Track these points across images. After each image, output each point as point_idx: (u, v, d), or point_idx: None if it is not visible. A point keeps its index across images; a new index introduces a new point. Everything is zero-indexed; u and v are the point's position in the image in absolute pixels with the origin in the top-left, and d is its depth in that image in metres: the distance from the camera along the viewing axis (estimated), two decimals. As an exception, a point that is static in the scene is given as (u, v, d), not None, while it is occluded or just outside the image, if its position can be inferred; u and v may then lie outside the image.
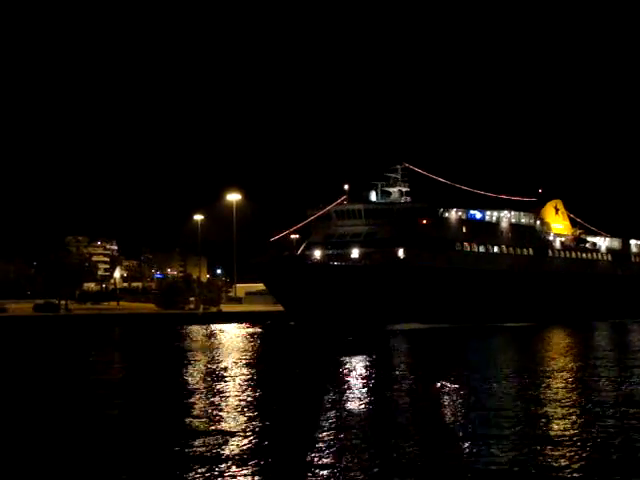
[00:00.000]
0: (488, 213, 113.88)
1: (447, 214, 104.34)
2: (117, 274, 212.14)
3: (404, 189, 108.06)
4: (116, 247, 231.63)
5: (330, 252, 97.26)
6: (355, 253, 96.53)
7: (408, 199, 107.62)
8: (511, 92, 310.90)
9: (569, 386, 38.30)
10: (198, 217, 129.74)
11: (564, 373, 44.08)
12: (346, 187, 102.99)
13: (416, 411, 31.73)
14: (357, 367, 50.02)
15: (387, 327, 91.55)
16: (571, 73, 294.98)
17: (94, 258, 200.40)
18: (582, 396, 34.71)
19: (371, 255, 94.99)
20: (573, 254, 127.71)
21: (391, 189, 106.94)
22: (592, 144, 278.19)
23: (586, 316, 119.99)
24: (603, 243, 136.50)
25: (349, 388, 38.10)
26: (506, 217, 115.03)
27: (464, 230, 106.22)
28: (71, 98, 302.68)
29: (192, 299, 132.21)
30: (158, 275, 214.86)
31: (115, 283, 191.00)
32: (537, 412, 30.02)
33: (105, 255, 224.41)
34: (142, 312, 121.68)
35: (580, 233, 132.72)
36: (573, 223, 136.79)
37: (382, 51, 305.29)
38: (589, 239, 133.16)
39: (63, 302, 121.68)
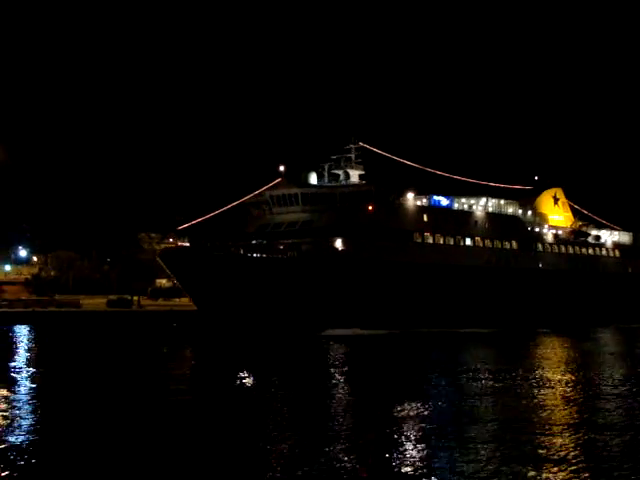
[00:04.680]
0: (463, 200, 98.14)
1: (402, 200, 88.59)
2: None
3: (357, 172, 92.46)
4: (188, 244, 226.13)
5: (256, 243, 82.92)
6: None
7: (363, 184, 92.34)
8: (505, 72, 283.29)
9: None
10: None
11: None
12: (282, 169, 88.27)
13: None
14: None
15: (319, 332, 77.35)
16: (575, 49, 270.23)
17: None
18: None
19: (300, 246, 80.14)
20: (570, 249, 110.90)
21: (340, 171, 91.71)
22: (602, 130, 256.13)
23: (585, 320, 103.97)
24: (609, 237, 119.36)
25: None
26: (482, 205, 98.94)
27: (425, 219, 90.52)
28: (147, 100, 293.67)
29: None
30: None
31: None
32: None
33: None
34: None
35: (581, 225, 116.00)
36: (577, 214, 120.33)
37: (343, 19, 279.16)
38: (592, 232, 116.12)
39: (135, 298, 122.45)
